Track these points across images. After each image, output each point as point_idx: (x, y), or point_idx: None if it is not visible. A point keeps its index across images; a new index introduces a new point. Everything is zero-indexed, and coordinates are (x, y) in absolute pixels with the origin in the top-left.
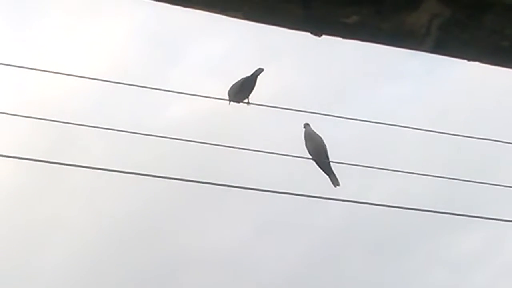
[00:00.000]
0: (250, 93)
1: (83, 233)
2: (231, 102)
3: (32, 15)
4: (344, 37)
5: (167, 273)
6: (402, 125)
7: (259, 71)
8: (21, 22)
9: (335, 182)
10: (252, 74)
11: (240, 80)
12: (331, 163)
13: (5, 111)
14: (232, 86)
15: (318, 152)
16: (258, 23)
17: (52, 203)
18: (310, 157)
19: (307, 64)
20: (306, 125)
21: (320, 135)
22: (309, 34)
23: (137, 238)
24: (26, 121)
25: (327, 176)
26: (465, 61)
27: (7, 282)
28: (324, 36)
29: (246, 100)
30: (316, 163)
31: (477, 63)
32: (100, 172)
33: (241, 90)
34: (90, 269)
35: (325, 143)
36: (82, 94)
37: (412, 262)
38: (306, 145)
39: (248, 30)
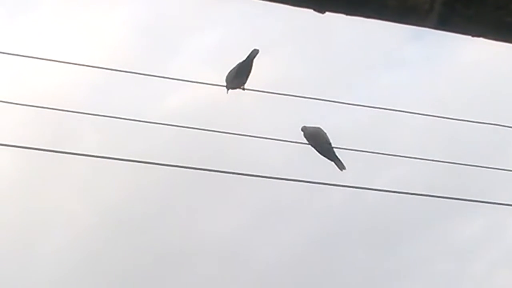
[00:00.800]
0: (247, 77)
1: (81, 221)
2: (229, 90)
3: (28, 3)
4: (347, 13)
5: (165, 260)
6: (403, 110)
7: (254, 52)
8: (18, 10)
9: (340, 166)
10: (247, 57)
11: (236, 65)
12: (334, 149)
13: (2, 99)
14: (229, 73)
15: (322, 143)
16: (262, 1)
17: (50, 191)
18: (307, 143)
19: (306, 51)
20: (304, 128)
21: (318, 126)
22: (312, 11)
23: (135, 226)
24: (24, 110)
25: (332, 162)
26: (469, 37)
27: (7, 270)
28: (327, 13)
29: (242, 86)
30: (320, 153)
31: (481, 39)
32: (98, 160)
33: (238, 76)
34: (88, 258)
35: (324, 130)
36: (79, 82)
37: (413, 249)
38: (311, 144)
39: (245, 17)
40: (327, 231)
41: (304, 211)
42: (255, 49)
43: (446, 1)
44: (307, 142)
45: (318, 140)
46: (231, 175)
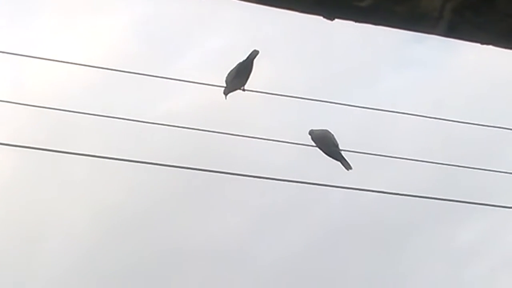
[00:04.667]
0: (247, 78)
1: (79, 222)
2: (228, 94)
3: (30, 6)
4: (357, 20)
5: (164, 263)
6: (403, 111)
7: (254, 53)
8: (19, 10)
9: (347, 166)
10: (247, 58)
11: (236, 65)
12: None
13: (1, 99)
14: (229, 73)
15: (329, 146)
16: (271, 7)
17: (48, 191)
18: (309, 144)
19: (307, 53)
20: (311, 132)
21: (325, 128)
22: (321, 18)
23: (134, 227)
24: (22, 109)
25: (338, 162)
26: (478, 44)
27: (5, 273)
28: (336, 20)
29: (243, 87)
30: (327, 154)
31: (490, 47)
32: (96, 159)
33: (238, 76)
34: (85, 257)
35: (331, 132)
36: (79, 82)
37: (410, 253)
38: (320, 148)
39: (248, 21)
40: (326, 232)
41: (305, 212)
42: (255, 50)
43: (455, 8)
44: (311, 144)
45: (325, 142)
46: (231, 176)
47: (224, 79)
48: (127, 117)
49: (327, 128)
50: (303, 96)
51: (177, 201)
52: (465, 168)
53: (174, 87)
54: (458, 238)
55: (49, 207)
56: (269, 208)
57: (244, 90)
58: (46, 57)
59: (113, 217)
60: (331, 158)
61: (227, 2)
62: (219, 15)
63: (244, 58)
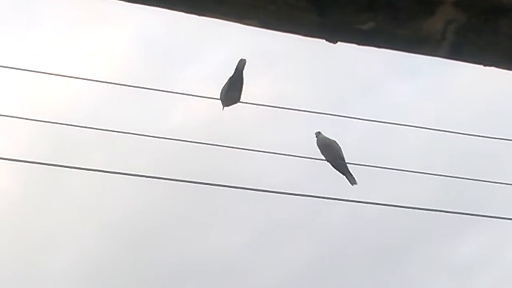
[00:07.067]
0: (240, 91)
1: (85, 237)
2: (224, 107)
3: (34, 20)
4: (359, 43)
5: (168, 277)
6: (407, 124)
7: (242, 63)
8: (24, 26)
9: (352, 181)
10: (236, 70)
11: (227, 80)
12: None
13: (7, 114)
14: (222, 89)
15: (335, 157)
16: (273, 31)
17: (55, 206)
18: (314, 157)
19: (310, 68)
20: (318, 134)
21: (333, 139)
22: (324, 41)
23: (139, 242)
24: (28, 124)
25: (343, 176)
26: (481, 66)
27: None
28: (339, 43)
29: (238, 100)
30: (332, 165)
31: (493, 68)
32: (102, 174)
33: (230, 91)
34: (93, 274)
35: (339, 145)
36: (84, 97)
37: (413, 266)
38: (323, 154)
39: (250, 34)
40: (329, 246)
41: (308, 226)
42: (242, 59)
43: (458, 30)
44: (315, 157)
45: (330, 153)
46: (235, 189)
47: (219, 96)
48: (133, 132)
49: (335, 139)
50: (307, 109)
51: (181, 215)
52: (469, 180)
53: (178, 101)
54: (461, 251)
55: (56, 222)
56: (273, 222)
57: (239, 100)
58: (52, 72)
59: (120, 232)
60: (336, 170)
61: (217, 26)
62: (222, 29)
63: (233, 71)
